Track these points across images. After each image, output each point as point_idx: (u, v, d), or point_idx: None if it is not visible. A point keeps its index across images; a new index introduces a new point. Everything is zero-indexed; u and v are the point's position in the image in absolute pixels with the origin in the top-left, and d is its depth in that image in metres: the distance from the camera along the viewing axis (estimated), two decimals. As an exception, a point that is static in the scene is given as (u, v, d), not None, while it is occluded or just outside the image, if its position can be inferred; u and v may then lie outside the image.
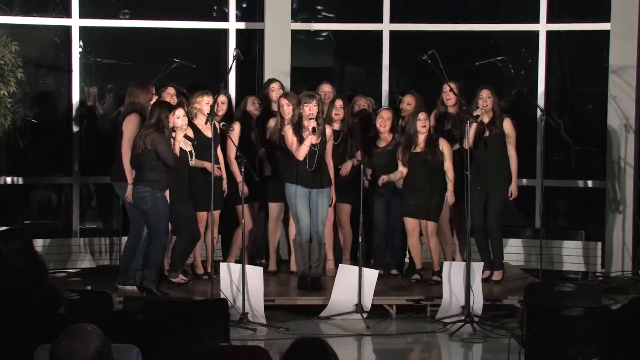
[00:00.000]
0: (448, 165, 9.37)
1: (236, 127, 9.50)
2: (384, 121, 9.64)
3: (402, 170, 9.45)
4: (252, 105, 9.80)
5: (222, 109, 9.59)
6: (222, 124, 9.26)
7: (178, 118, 8.90)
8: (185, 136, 9.15)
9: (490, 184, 9.45)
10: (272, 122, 9.73)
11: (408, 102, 10.01)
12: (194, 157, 9.21)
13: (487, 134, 9.43)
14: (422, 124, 9.44)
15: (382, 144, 9.72)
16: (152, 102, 9.08)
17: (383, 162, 9.63)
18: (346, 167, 9.68)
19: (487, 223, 9.52)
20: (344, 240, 9.97)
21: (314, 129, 8.96)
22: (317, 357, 3.64)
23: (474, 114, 9.13)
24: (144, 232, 9.06)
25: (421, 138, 9.43)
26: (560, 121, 11.28)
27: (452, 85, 9.51)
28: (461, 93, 9.60)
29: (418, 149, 9.42)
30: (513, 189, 9.47)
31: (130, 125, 9.05)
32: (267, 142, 9.73)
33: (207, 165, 9.02)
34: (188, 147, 9.19)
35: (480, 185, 9.37)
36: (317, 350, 3.66)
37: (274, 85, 10.06)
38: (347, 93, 10.32)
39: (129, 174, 9.00)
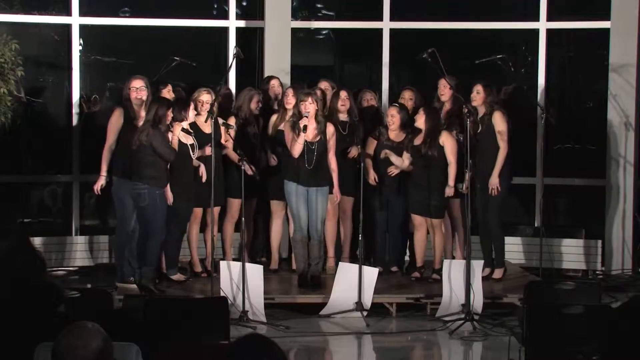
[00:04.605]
0: (450, 159, 9.34)
1: (232, 121, 9.51)
2: (389, 119, 9.62)
3: (405, 158, 9.44)
4: (255, 104, 9.80)
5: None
6: (222, 122, 9.29)
7: (191, 112, 9.12)
8: (185, 130, 9.17)
9: (485, 180, 9.42)
10: (274, 118, 9.75)
11: (410, 97, 10.00)
12: (196, 150, 9.22)
13: (479, 129, 9.42)
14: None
15: (392, 137, 9.64)
16: (130, 93, 9.18)
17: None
18: (352, 153, 9.66)
19: (488, 220, 9.51)
20: (344, 236, 9.97)
21: (304, 127, 8.99)
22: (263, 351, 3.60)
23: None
24: (129, 227, 9.06)
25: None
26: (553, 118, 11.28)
27: (449, 80, 9.49)
28: (458, 89, 9.58)
29: (418, 142, 9.42)
30: (492, 180, 9.38)
31: (112, 119, 9.21)
32: (269, 139, 9.74)
33: (207, 149, 9.08)
34: (189, 140, 9.20)
35: (479, 183, 9.37)
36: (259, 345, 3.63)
37: (274, 82, 10.13)
38: (353, 90, 10.32)
39: (103, 166, 9.12)
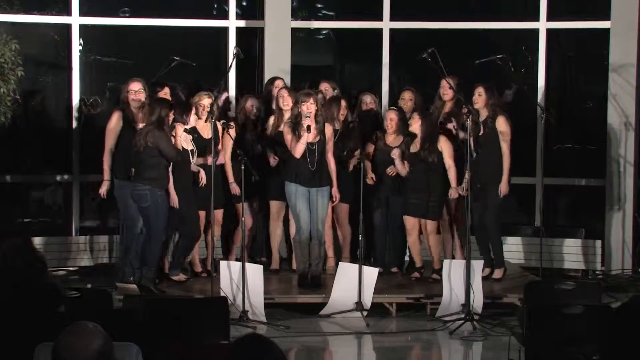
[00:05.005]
0: (449, 163, 9.36)
1: (233, 125, 9.55)
2: (388, 122, 9.63)
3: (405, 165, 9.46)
4: (251, 106, 9.83)
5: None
6: (222, 122, 9.30)
7: (192, 116, 9.15)
8: (187, 131, 9.17)
9: (487, 182, 9.43)
10: (272, 120, 9.75)
11: (409, 98, 10.02)
12: (195, 156, 9.22)
13: (481, 132, 9.42)
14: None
15: (389, 140, 9.66)
16: (128, 96, 9.18)
17: (389, 158, 9.59)
18: (350, 166, 9.70)
19: (486, 221, 9.51)
20: (343, 239, 9.97)
21: (308, 127, 8.99)
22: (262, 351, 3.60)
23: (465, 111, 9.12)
24: (137, 228, 9.07)
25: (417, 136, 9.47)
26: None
27: (450, 80, 9.50)
28: (459, 89, 9.60)
29: (415, 148, 9.43)
30: (502, 187, 9.39)
31: (110, 123, 9.24)
32: (267, 140, 9.75)
33: (209, 159, 9.13)
34: (190, 145, 9.20)
35: (479, 183, 9.37)
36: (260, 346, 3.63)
37: (279, 82, 10.12)
38: (353, 91, 10.32)
39: (106, 170, 9.15)
